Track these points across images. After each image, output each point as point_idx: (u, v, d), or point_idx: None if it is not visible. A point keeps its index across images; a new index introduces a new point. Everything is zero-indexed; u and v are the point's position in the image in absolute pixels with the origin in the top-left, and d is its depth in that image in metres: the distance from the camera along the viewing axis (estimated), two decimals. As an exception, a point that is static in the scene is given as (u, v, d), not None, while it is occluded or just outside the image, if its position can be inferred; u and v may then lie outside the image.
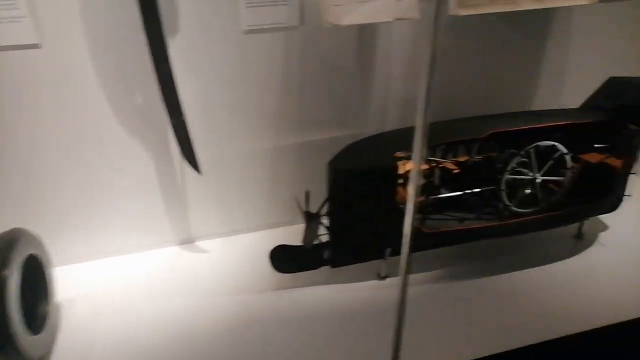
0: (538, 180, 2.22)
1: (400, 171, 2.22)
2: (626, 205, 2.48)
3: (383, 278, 2.32)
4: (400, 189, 2.10)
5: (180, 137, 2.07)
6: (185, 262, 2.51)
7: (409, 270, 1.42)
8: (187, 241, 2.61)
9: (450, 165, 2.30)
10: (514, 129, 2.12)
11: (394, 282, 2.31)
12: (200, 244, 2.62)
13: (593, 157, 2.31)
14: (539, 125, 2.13)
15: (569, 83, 2.76)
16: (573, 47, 2.68)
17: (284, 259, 2.19)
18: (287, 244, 2.18)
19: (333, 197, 2.05)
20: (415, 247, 2.24)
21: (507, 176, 2.18)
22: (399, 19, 2.08)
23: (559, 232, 2.53)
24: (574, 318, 2.07)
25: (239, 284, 2.32)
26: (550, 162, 2.20)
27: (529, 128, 2.13)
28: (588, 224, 2.54)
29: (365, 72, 2.43)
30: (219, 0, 2.08)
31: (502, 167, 2.19)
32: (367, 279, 2.33)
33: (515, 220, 2.21)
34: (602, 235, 2.60)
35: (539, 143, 2.14)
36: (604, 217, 2.64)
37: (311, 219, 2.08)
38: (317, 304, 2.20)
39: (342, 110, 2.49)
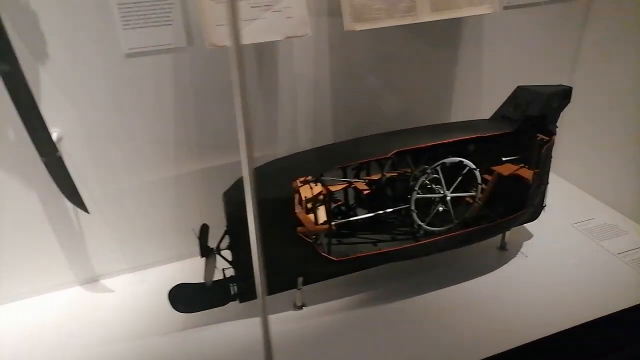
0: (448, 198, 2.13)
1: (305, 196, 2.10)
2: (547, 213, 2.49)
3: (299, 308, 2.19)
4: (302, 215, 1.97)
5: (57, 176, 1.88)
6: (87, 304, 2.31)
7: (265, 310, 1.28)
8: (90, 280, 2.42)
9: (361, 186, 2.20)
10: (419, 146, 2.03)
11: (312, 311, 2.20)
12: (106, 282, 2.43)
13: (505, 169, 2.24)
14: (443, 141, 2.04)
15: (485, 92, 2.70)
16: (486, 55, 2.62)
17: (186, 299, 2.03)
18: (186, 282, 2.02)
19: (231, 230, 1.91)
20: (326, 275, 2.15)
21: (417, 195, 2.09)
22: (290, 37, 1.96)
23: (483, 244, 2.46)
24: (503, 335, 2.01)
25: (144, 325, 2.14)
26: (459, 178, 2.11)
27: (434, 145, 2.04)
28: (511, 234, 2.48)
29: (267, 92, 2.29)
30: (94, 23, 1.90)
31: (411, 186, 2.09)
32: (283, 310, 2.20)
33: (432, 239, 2.12)
34: (526, 245, 2.55)
35: (445, 160, 2.06)
36: (527, 226, 2.60)
37: (208, 254, 1.93)
38: (227, 342, 2.06)
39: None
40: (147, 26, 1.96)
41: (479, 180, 2.15)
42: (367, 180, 2.24)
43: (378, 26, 2.06)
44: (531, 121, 2.17)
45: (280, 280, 2.05)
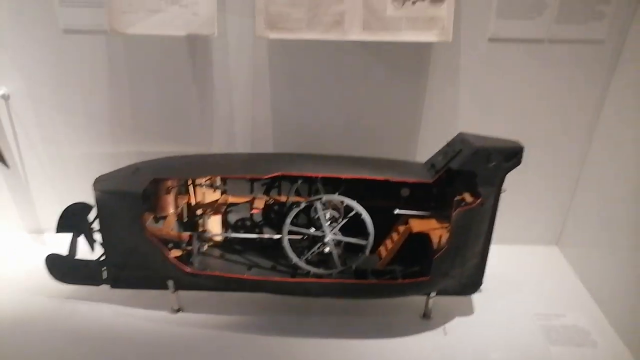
0: (328, 239, 1.88)
1: (199, 201, 2.04)
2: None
3: (175, 311, 2.13)
4: (146, 218, 1.90)
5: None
6: (18, 251, 2.54)
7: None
8: (37, 231, 2.64)
9: (258, 203, 2.05)
10: (303, 174, 1.82)
11: (186, 318, 2.13)
12: (47, 236, 2.64)
13: (418, 225, 1.91)
14: (330, 175, 1.80)
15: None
16: (463, 91, 2.24)
17: (63, 269, 2.10)
18: (60, 253, 2.09)
19: (99, 215, 1.92)
20: (186, 284, 2.04)
21: (290, 227, 1.88)
22: (194, 35, 1.89)
23: (410, 305, 2.13)
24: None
25: (32, 284, 2.27)
26: (343, 221, 1.85)
27: (325, 176, 1.82)
28: (449, 304, 2.12)
29: (203, 88, 2.25)
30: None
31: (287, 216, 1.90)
32: (159, 308, 2.16)
33: (306, 280, 1.90)
34: (457, 322, 2.14)
35: (323, 196, 1.82)
36: (476, 301, 2.21)
37: (76, 231, 1.97)
38: (93, 321, 2.10)
39: (182, 125, 2.34)
40: (83, 6, 2.04)
41: (369, 229, 1.86)
42: (271, 199, 2.09)
43: (296, 37, 1.90)
44: (456, 176, 1.81)
45: (144, 277, 2.00)
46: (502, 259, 2.46)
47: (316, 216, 1.94)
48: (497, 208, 1.90)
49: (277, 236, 1.92)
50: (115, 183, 1.82)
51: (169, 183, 1.91)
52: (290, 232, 1.92)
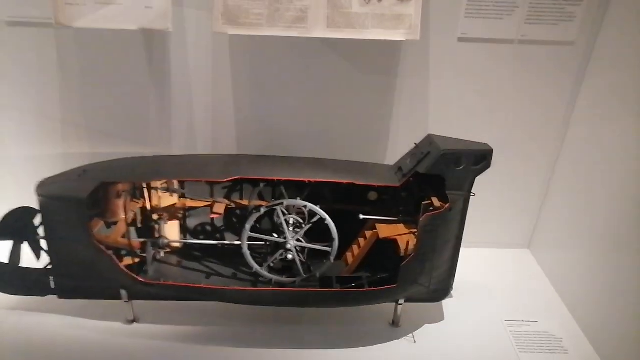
0: (290, 246, 1.79)
1: (157, 204, 1.92)
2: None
3: (130, 322, 2.01)
4: (94, 224, 1.78)
5: None
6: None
7: None
8: None
9: (218, 208, 1.94)
10: (261, 177, 1.73)
11: (142, 329, 2.01)
12: None
13: (385, 231, 1.83)
14: (290, 179, 1.71)
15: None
16: (432, 89, 2.18)
17: (6, 278, 1.95)
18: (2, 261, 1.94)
19: (44, 221, 1.79)
20: (138, 294, 1.92)
21: (250, 233, 1.78)
22: (146, 29, 1.78)
23: (379, 312, 2.05)
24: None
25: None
26: (307, 226, 1.77)
27: (287, 179, 1.73)
28: (420, 311, 2.05)
29: (161, 85, 2.13)
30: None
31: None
32: (113, 319, 2.03)
33: (268, 289, 1.80)
34: (426, 329, 2.07)
35: (284, 201, 1.72)
36: (446, 307, 2.15)
37: (17, 238, 1.83)
38: (39, 334, 1.95)
39: (138, 125, 2.21)
40: (28, -4, 1.91)
41: (333, 235, 1.78)
42: (232, 204, 1.99)
43: (256, 33, 1.80)
44: (423, 179, 1.74)
45: (94, 286, 1.87)
46: (473, 263, 2.43)
47: (279, 221, 1.84)
48: (466, 212, 1.84)
49: (237, 242, 1.81)
50: (60, 187, 1.69)
51: (120, 187, 1.79)
52: (251, 239, 1.82)
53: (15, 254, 1.85)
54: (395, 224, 1.88)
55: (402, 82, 2.13)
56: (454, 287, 2.02)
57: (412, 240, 1.80)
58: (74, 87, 2.11)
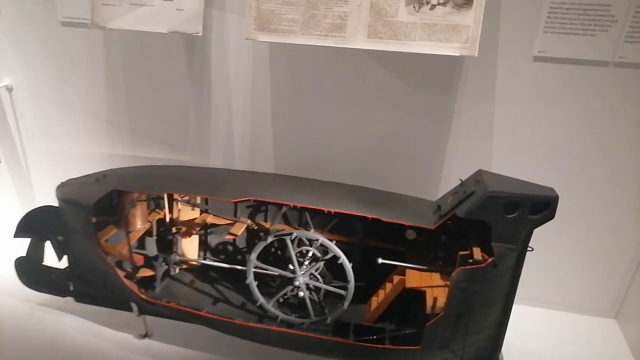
0: (299, 282, 1.56)
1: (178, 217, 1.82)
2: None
3: (143, 337, 1.92)
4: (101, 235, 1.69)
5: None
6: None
7: None
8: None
9: (236, 229, 1.78)
10: (274, 201, 1.53)
11: (151, 346, 1.91)
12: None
13: (413, 280, 1.53)
14: (307, 205, 1.49)
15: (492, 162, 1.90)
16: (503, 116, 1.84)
17: (32, 274, 1.96)
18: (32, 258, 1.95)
19: (62, 223, 1.76)
20: (144, 308, 1.81)
21: (256, 262, 1.59)
22: (176, 32, 1.68)
23: None
24: None
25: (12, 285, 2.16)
26: (320, 263, 1.53)
27: (299, 206, 1.51)
28: None
29: (200, 95, 2.04)
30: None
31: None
32: (126, 330, 1.96)
33: (268, 327, 1.59)
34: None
35: (297, 232, 1.51)
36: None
37: (38, 237, 1.82)
38: (56, 334, 1.94)
39: (179, 133, 2.14)
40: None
41: (349, 276, 1.52)
42: (253, 224, 1.82)
43: (288, 41, 1.62)
44: (468, 224, 1.43)
45: (106, 295, 1.81)
46: (540, 326, 2.07)
47: (296, 252, 1.64)
48: (520, 270, 1.48)
49: (241, 268, 1.64)
50: (73, 190, 1.65)
51: (135, 195, 1.71)
52: (259, 268, 1.64)
53: (36, 251, 1.85)
54: (429, 273, 1.57)
55: (462, 105, 1.82)
56: (503, 356, 1.65)
57: (444, 296, 1.48)
58: (120, 89, 2.11)
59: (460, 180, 1.52)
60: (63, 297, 1.95)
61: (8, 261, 2.12)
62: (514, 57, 1.71)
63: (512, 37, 1.68)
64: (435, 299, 1.43)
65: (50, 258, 1.95)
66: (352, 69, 1.85)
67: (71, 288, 1.89)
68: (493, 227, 1.38)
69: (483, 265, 1.38)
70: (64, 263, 1.91)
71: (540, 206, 1.37)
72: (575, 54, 1.66)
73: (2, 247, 2.45)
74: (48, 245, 1.90)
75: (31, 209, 1.83)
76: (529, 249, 1.46)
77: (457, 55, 1.51)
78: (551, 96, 1.75)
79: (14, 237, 1.81)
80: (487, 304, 1.48)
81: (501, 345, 1.61)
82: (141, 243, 1.88)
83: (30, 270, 1.91)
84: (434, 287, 1.52)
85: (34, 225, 1.81)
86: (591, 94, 1.71)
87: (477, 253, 1.42)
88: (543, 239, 1.50)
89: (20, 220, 1.80)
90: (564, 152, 1.82)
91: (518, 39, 1.68)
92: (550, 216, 1.39)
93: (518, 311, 1.57)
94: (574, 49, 1.64)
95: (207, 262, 1.82)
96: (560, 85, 1.72)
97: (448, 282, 1.54)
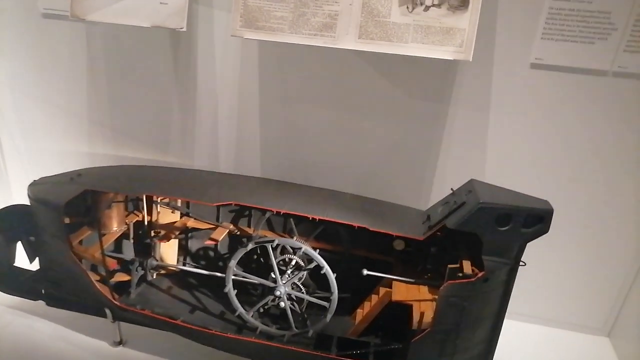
0: (280, 292, 1.48)
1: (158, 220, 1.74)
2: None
3: (117, 344, 1.83)
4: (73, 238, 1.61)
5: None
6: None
7: None
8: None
9: (217, 234, 1.70)
10: (255, 206, 1.46)
11: (125, 354, 1.83)
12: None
13: (399, 293, 1.46)
14: (291, 212, 1.42)
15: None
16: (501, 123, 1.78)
17: (0, 275, 1.86)
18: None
19: (33, 223, 1.67)
20: (117, 315, 1.72)
21: (235, 269, 1.51)
22: (159, 27, 1.61)
23: None
24: None
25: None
26: (303, 273, 1.46)
27: (282, 212, 1.44)
28: None
29: (186, 93, 1.97)
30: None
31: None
32: (100, 337, 1.87)
33: (248, 339, 1.51)
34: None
35: (276, 240, 1.43)
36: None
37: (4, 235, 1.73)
38: (26, 339, 1.85)
39: (162, 132, 2.06)
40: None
41: (332, 288, 1.45)
42: (235, 229, 1.74)
43: (275, 39, 1.55)
44: (459, 236, 1.36)
45: (78, 299, 1.72)
46: (532, 342, 2.01)
47: (279, 260, 1.56)
48: (511, 286, 1.42)
49: (220, 275, 1.56)
50: (44, 189, 1.57)
51: (111, 196, 1.62)
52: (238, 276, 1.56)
53: (6, 251, 1.76)
54: (417, 286, 1.50)
55: (455, 111, 1.76)
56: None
57: (432, 311, 1.41)
58: (102, 86, 2.03)
59: (452, 189, 1.46)
60: (34, 300, 1.86)
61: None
62: (510, 64, 1.65)
63: (509, 43, 1.63)
64: (422, 314, 1.35)
65: (23, 259, 1.88)
66: (343, 72, 1.79)
67: (43, 291, 1.80)
68: (484, 240, 1.32)
69: (473, 279, 1.32)
70: (36, 265, 1.83)
71: (534, 219, 1.31)
72: (573, 62, 1.60)
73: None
74: (20, 246, 1.83)
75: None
76: (521, 263, 1.39)
77: (451, 59, 1.45)
78: (548, 105, 1.69)
79: None
80: (477, 320, 1.41)
81: (490, 363, 1.54)
82: (118, 246, 1.80)
83: (7, 274, 1.82)
84: (421, 301, 1.45)
85: (3, 224, 1.72)
86: (589, 104, 1.65)
87: (467, 267, 1.36)
88: (535, 253, 1.44)
89: None
90: (560, 164, 1.76)
91: (515, 45, 1.63)
92: (544, 230, 1.33)
93: (508, 326, 1.51)
94: (572, 56, 1.58)
95: (186, 267, 1.74)
96: (557, 94, 1.66)
97: (436, 296, 1.47)
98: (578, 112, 1.68)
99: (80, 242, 1.66)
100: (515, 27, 1.60)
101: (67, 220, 1.56)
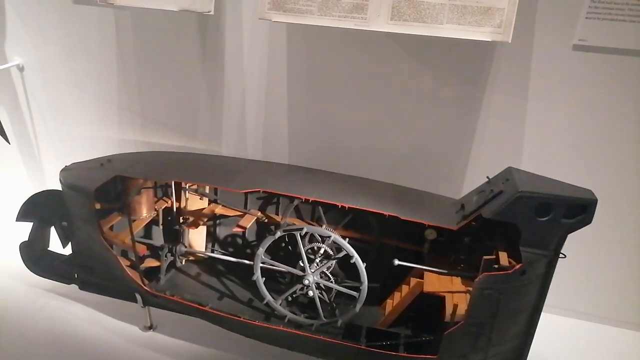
0: (308, 281, 1.46)
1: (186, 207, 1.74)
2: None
3: (147, 329, 1.85)
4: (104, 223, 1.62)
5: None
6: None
7: None
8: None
9: (245, 221, 1.68)
10: (284, 194, 1.44)
11: (155, 339, 1.84)
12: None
13: (431, 284, 1.42)
14: (320, 200, 1.39)
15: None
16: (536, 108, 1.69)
17: (37, 260, 1.90)
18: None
19: (65, 209, 1.69)
20: (147, 300, 1.74)
21: (264, 257, 1.49)
22: (186, 11, 1.59)
23: None
24: None
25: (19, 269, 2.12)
26: (332, 262, 1.43)
27: (311, 199, 1.41)
28: None
29: (213, 79, 1.95)
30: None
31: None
32: (132, 322, 1.90)
33: (277, 327, 1.50)
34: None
35: (305, 228, 1.41)
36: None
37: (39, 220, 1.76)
38: (59, 322, 1.89)
39: (191, 118, 2.06)
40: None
41: (362, 278, 1.42)
42: (263, 216, 1.73)
43: (304, 22, 1.51)
44: (495, 226, 1.31)
45: (110, 284, 1.74)
46: (569, 338, 1.94)
47: (307, 249, 1.54)
48: (550, 278, 1.36)
49: (249, 263, 1.55)
50: (75, 175, 1.58)
51: (140, 182, 1.63)
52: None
53: (40, 236, 1.79)
54: (449, 277, 1.46)
55: (491, 96, 1.69)
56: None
57: (465, 303, 1.37)
58: (130, 71, 2.03)
59: (487, 177, 1.40)
60: (67, 284, 1.90)
61: (16, 244, 2.12)
62: (551, 46, 1.57)
63: (550, 23, 1.54)
64: (455, 306, 1.31)
65: (56, 244, 1.91)
66: (374, 56, 1.73)
67: (75, 275, 1.84)
68: (522, 231, 1.26)
69: (510, 271, 1.27)
70: (69, 249, 1.86)
71: (576, 209, 1.24)
72: (620, 44, 1.51)
73: (11, 229, 2.44)
74: (53, 230, 1.86)
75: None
76: (561, 255, 1.33)
77: (489, 40, 1.38)
78: (591, 90, 1.60)
79: (16, 220, 1.76)
80: (513, 313, 1.36)
81: (526, 357, 1.49)
82: (148, 232, 1.81)
83: (34, 255, 1.85)
84: (454, 293, 1.41)
85: (38, 209, 1.75)
86: (637, 89, 1.55)
87: (504, 258, 1.30)
88: (570, 244, 1.37)
89: (23, 204, 1.74)
90: (603, 153, 1.67)
91: (556, 26, 1.54)
92: (587, 221, 1.26)
93: (543, 319, 1.45)
94: (619, 37, 1.49)
95: (215, 254, 1.73)
96: (602, 78, 1.57)
97: (470, 288, 1.43)
98: (625, 98, 1.58)
99: (111, 228, 1.67)
100: (557, 5, 1.51)
101: (97, 206, 1.57)
